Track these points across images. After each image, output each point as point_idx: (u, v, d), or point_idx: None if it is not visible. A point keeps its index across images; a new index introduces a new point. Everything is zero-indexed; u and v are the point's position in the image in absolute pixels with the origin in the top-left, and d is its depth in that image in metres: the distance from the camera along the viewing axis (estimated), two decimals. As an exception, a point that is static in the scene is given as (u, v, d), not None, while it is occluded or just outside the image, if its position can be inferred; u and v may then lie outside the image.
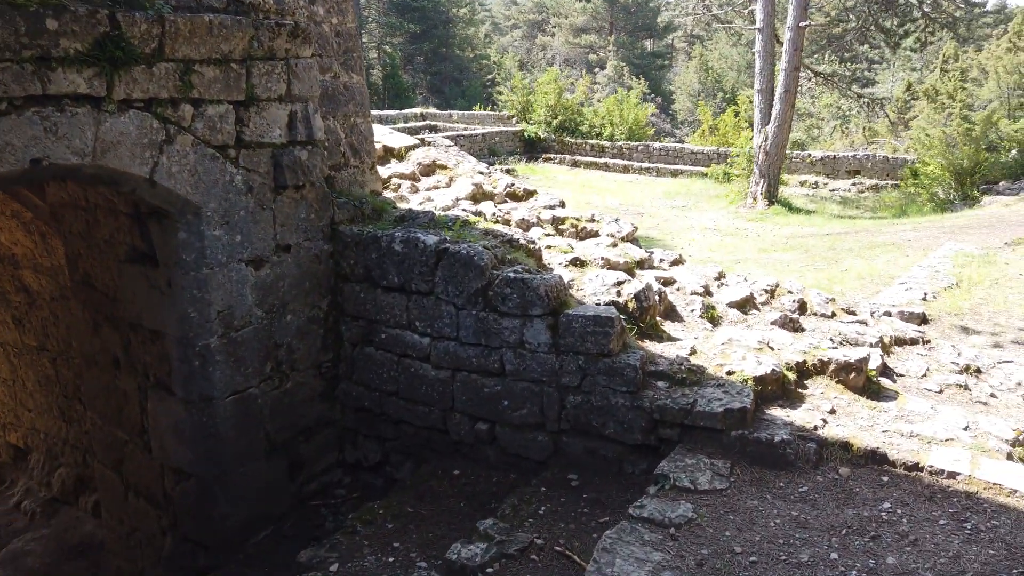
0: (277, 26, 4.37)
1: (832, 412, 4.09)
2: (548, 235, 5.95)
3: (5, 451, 7.47)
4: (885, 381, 4.56)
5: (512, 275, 4.41)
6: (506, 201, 6.98)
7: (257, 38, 4.25)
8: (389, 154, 7.19)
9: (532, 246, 5.09)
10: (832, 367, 4.39)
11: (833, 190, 21.18)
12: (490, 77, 48.13)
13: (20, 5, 3.17)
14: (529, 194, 7.11)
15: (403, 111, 28.92)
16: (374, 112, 25.64)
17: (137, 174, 3.82)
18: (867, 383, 4.40)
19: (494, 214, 6.28)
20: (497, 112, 30.92)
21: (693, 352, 4.49)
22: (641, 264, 5.68)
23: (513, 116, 29.29)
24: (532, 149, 26.37)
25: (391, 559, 4.00)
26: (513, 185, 7.18)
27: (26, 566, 6.09)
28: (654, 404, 4.05)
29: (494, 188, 7.06)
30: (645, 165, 24.20)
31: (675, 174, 23.36)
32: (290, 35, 4.48)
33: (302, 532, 4.92)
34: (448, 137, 19.00)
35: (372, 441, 5.22)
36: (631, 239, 6.29)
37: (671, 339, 4.70)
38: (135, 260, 4.45)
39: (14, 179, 3.40)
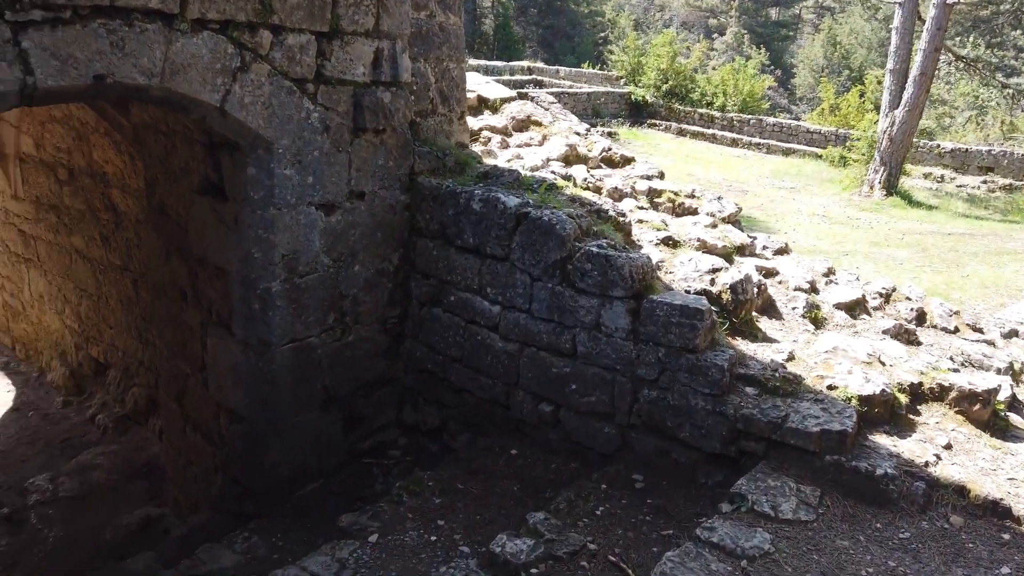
0: (371, -47, 4.03)
1: (948, 448, 3.53)
2: (641, 208, 5.47)
3: (88, 363, 7.67)
4: (1015, 417, 3.93)
5: (595, 249, 4.00)
6: (600, 166, 6.52)
7: (348, -36, 3.93)
8: (482, 105, 6.82)
9: (622, 219, 4.65)
10: (953, 394, 3.81)
11: (960, 186, 19.48)
12: (602, 35, 46.78)
13: (92, -95, 2.92)
14: (626, 161, 6.61)
15: (510, 63, 28.38)
16: (480, 62, 25.35)
17: (207, 101, 3.59)
18: (993, 417, 3.80)
19: (585, 179, 5.84)
20: (605, 72, 29.96)
21: (791, 358, 3.98)
22: (741, 250, 5.15)
23: (622, 77, 28.29)
24: (638, 113, 25.41)
25: (433, 538, 3.75)
26: (610, 150, 6.70)
27: (92, 479, 6.22)
28: (739, 412, 3.59)
29: (589, 151, 6.60)
30: (756, 140, 22.92)
31: (787, 152, 22.03)
32: (384, -36, 4.13)
33: (351, 490, 4.75)
34: (552, 93, 18.40)
35: (432, 406, 4.97)
36: (732, 220, 5.74)
37: (767, 340, 4.20)
38: (206, 192, 4.27)
39: (77, 94, 3.22)
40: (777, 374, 3.78)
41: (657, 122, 24.95)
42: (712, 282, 4.27)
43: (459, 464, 4.43)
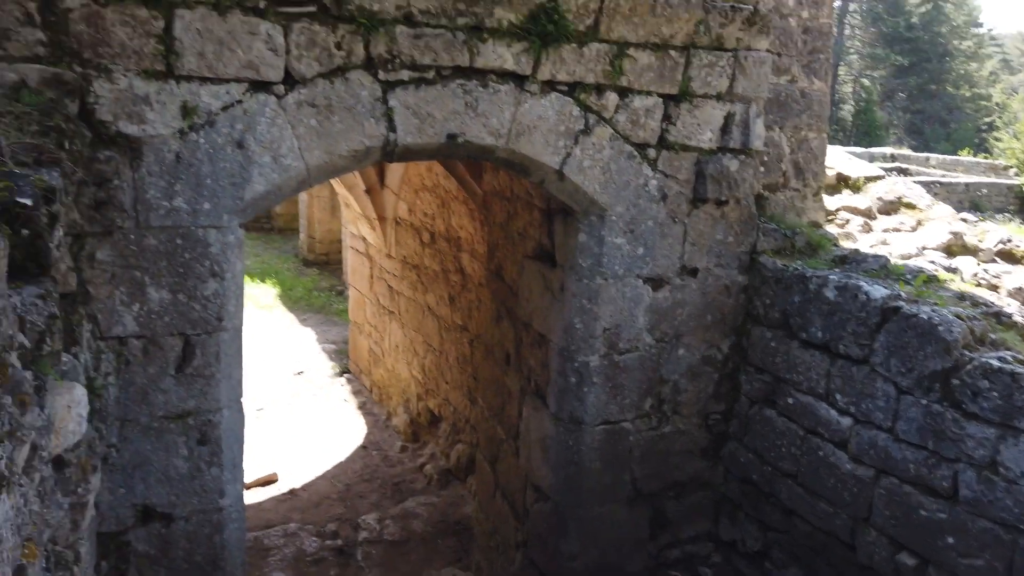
0: (732, 10, 3.71)
1: None
2: (1060, 314, 4.22)
3: (425, 414, 8.26)
4: None
5: (995, 363, 3.06)
6: (995, 261, 5.28)
7: (705, 23, 3.65)
8: (842, 183, 6.02)
9: (1034, 326, 3.58)
10: None
11: None
12: (987, 120, 41.04)
13: (461, -28, 3.04)
14: (1034, 256, 5.28)
15: (870, 149, 26.09)
16: (836, 147, 23.64)
17: (547, 163, 3.52)
18: None
19: (975, 275, 4.74)
20: (989, 160, 25.99)
21: None
22: None
23: (1011, 167, 24.26)
24: (1031, 208, 21.39)
25: None
26: (1009, 241, 5.42)
27: (411, 527, 6.52)
28: None
29: (979, 241, 5.41)
30: None
31: None
32: (745, 22, 3.78)
33: (650, 601, 4.22)
34: (919, 182, 16.28)
35: (753, 524, 4.25)
36: None
37: None
38: (537, 257, 4.23)
39: (428, 152, 3.35)
40: None
41: (1061, 219, 20.69)
42: None
43: (781, 603, 3.67)
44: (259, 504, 7.07)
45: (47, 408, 1.79)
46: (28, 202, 1.86)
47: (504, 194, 4.79)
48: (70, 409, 1.97)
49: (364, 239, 9.49)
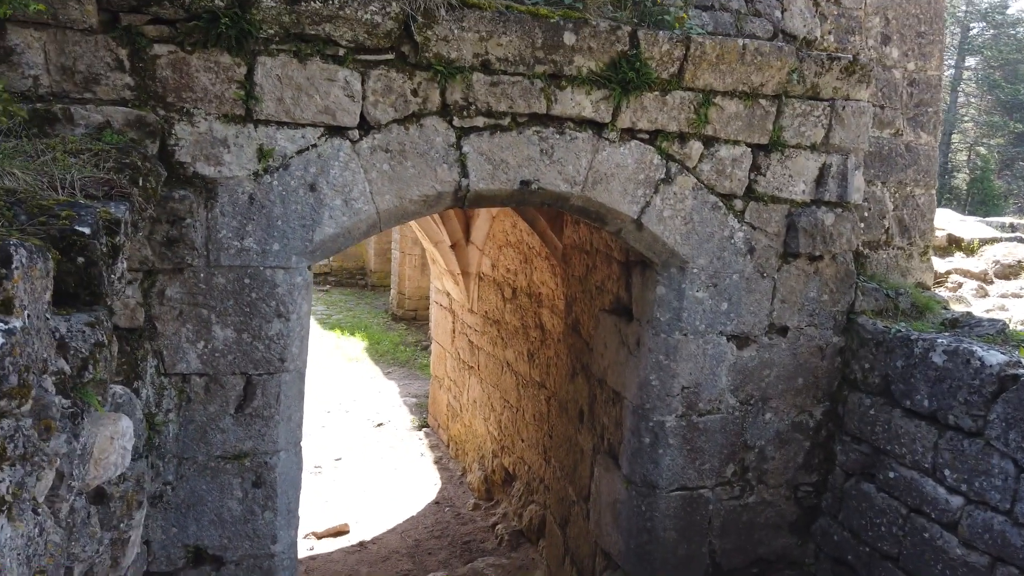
0: (828, 59, 3.52)
1: None
2: None
3: (499, 472, 8.07)
4: None
5: None
6: None
7: (799, 71, 3.47)
8: (953, 245, 5.60)
9: None
10: None
11: None
12: (1118, 188, 38.09)
13: (541, 16, 3.00)
14: None
15: (986, 219, 24.63)
16: (948, 211, 22.40)
17: (624, 212, 3.39)
18: None
19: (1111, 345, 4.23)
20: (1125, 229, 23.97)
21: None
22: None
23: None
24: None
25: None
26: None
27: (478, 588, 6.29)
28: None
29: (1115, 310, 4.86)
30: None
31: None
32: (844, 72, 3.58)
33: None
34: (1045, 249, 15.12)
35: (847, 611, 3.83)
36: None
37: None
38: (614, 311, 4.06)
39: (501, 199, 3.28)
40: None
41: None
42: None
43: None
44: (328, 555, 6.99)
45: (83, 437, 1.75)
46: (86, 231, 1.87)
47: (584, 247, 4.67)
48: (113, 441, 1.93)
49: (448, 294, 9.53)
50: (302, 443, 3.13)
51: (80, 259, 1.85)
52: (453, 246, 8.34)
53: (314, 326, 15.95)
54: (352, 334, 15.24)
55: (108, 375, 1.95)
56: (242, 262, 2.83)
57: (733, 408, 3.76)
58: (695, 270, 3.55)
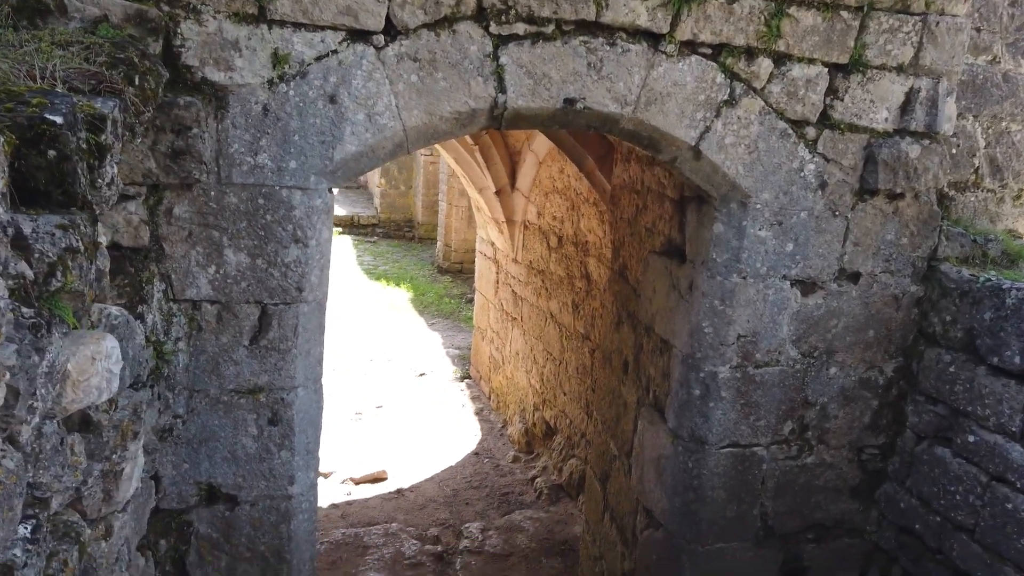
0: (920, -36, 3.07)
1: None
2: None
3: (540, 425, 7.86)
4: None
5: None
6: None
7: (886, -23, 3.03)
8: (1047, 192, 5.05)
9: None
10: None
11: None
12: None
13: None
14: None
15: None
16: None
17: (680, 138, 3.03)
18: None
19: None
20: None
21: None
22: None
23: None
24: None
25: None
26: None
27: (515, 542, 6.12)
28: None
29: None
30: None
31: None
32: (938, -21, 3.12)
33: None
34: None
35: (912, 584, 3.52)
36: None
37: None
38: (665, 253, 3.73)
39: (542, 119, 2.95)
40: None
41: None
42: None
43: None
44: (365, 501, 6.92)
45: (51, 353, 1.53)
46: (58, 120, 1.63)
47: (634, 187, 4.32)
48: (95, 362, 1.72)
49: (492, 243, 9.26)
50: (322, 381, 2.92)
51: (51, 152, 1.61)
52: (498, 193, 8.03)
53: (360, 276, 15.91)
54: (398, 285, 15.16)
55: (88, 288, 1.73)
56: (256, 180, 2.59)
57: (794, 360, 3.42)
58: (758, 206, 3.19)
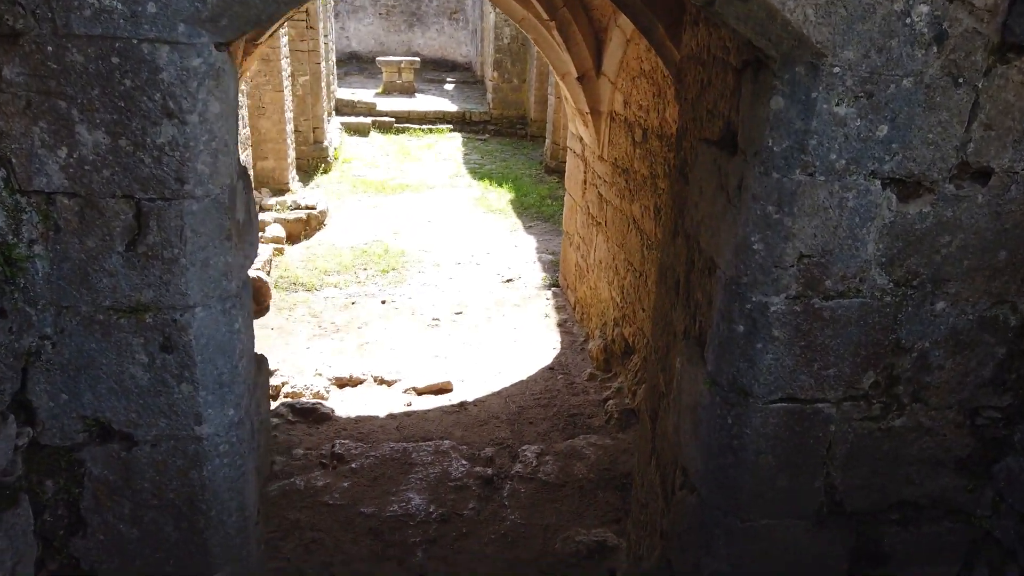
0: None
1: None
2: None
3: (619, 342, 7.12)
4: None
5: None
6: None
7: None
8: None
9: None
10: None
11: None
12: None
13: None
14: None
15: None
16: None
17: (716, -34, 2.09)
18: None
19: None
20: None
21: None
22: None
23: None
24: None
25: None
26: None
27: (572, 470, 5.55)
28: None
29: None
30: None
31: None
32: None
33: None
34: None
35: (1031, 594, 2.62)
36: None
37: None
38: (717, 142, 2.81)
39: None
40: None
41: None
42: None
43: None
44: (424, 413, 6.55)
45: None
46: None
47: (700, 57, 3.34)
48: None
49: (581, 139, 8.34)
50: (241, 297, 2.34)
51: None
52: (581, 79, 7.06)
53: (464, 175, 15.37)
54: (500, 185, 14.51)
55: None
56: (104, 30, 1.94)
57: (882, 291, 2.48)
58: (836, 69, 2.21)
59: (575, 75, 7.07)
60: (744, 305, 2.52)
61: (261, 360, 3.68)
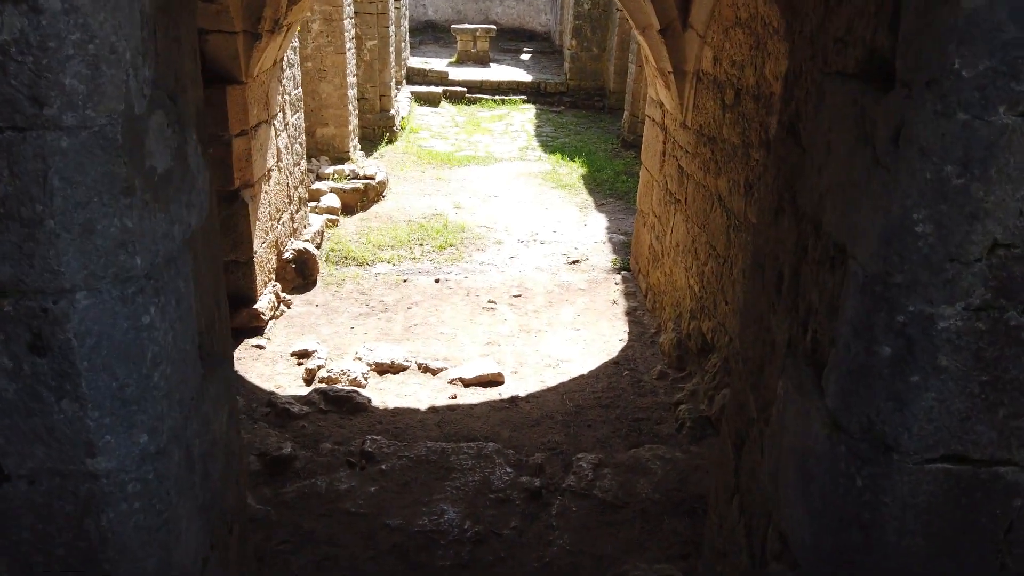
0: None
1: None
2: None
3: (696, 338, 6.24)
4: None
5: None
6: None
7: None
8: None
9: None
10: None
11: None
12: None
13: None
14: None
15: None
16: None
17: None
18: None
19: None
20: None
21: None
22: None
23: None
24: None
25: None
26: None
27: (634, 488, 4.74)
28: None
29: None
30: None
31: None
32: None
33: None
34: None
35: None
36: None
37: None
38: (856, 75, 1.94)
39: None
40: None
41: None
42: None
43: None
44: (470, 408, 5.85)
45: None
46: None
47: (824, -28, 2.45)
48: None
49: (661, 104, 7.41)
50: (157, 280, 1.64)
51: None
52: (664, 31, 6.14)
53: (534, 148, 14.58)
54: (572, 159, 13.66)
55: None
56: None
57: (1122, 303, 1.58)
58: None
59: (657, 27, 6.16)
60: (895, 316, 1.66)
61: (216, 364, 2.65)
